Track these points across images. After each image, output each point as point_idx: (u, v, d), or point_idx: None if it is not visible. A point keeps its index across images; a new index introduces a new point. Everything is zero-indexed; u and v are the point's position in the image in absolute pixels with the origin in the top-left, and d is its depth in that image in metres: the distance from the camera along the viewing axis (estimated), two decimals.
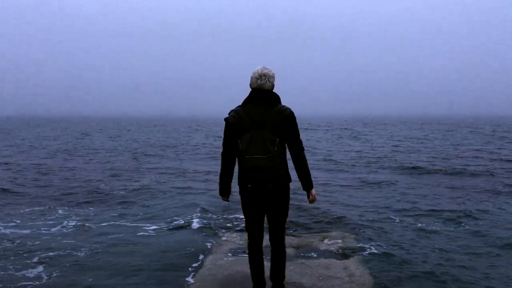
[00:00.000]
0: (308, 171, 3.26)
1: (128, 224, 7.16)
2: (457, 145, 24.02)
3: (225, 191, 3.41)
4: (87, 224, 7.10)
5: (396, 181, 11.39)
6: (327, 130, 46.81)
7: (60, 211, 8.06)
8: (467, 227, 6.59)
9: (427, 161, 15.87)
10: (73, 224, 7.07)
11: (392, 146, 24.15)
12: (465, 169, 13.54)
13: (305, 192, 3.32)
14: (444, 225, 6.71)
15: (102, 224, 7.17)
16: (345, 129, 49.23)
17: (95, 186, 11.07)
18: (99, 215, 7.94)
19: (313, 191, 3.29)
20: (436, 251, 5.47)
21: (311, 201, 3.32)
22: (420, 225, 6.75)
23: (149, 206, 8.63)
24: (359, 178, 12.03)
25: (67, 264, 5.10)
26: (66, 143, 27.11)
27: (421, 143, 25.86)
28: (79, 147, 23.91)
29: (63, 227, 6.89)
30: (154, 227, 7.03)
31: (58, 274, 4.79)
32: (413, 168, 13.94)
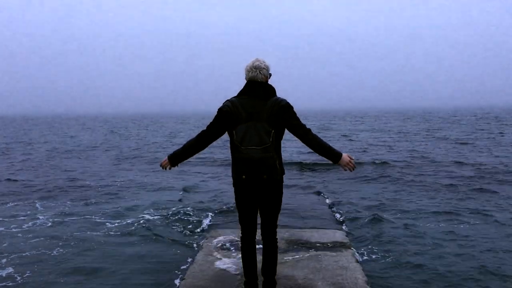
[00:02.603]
0: (327, 144, 3.13)
1: (102, 220, 7.04)
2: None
3: (176, 160, 3.26)
4: (57, 220, 7.02)
5: (383, 176, 11.47)
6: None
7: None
8: (459, 224, 6.64)
9: (409, 156, 15.98)
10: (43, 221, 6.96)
11: (378, 140, 24.34)
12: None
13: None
14: (436, 222, 6.76)
15: (77, 220, 7.06)
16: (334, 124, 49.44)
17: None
18: (73, 210, 7.84)
19: (345, 158, 3.10)
20: (427, 247, 5.53)
21: (352, 168, 3.12)
22: (410, 221, 6.79)
23: (123, 203, 8.47)
24: (348, 173, 12.07)
25: (40, 264, 5.01)
26: None
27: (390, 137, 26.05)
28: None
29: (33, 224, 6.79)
30: (134, 223, 6.91)
31: (29, 274, 4.72)
32: (393, 162, 14.02)
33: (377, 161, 14.35)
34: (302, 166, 13.66)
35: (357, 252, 5.10)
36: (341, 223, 6.83)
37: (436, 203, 8.11)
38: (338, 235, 5.22)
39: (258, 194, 3.19)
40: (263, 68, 3.17)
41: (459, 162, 13.80)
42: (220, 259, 4.41)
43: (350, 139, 25.47)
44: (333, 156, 3.13)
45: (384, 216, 7.07)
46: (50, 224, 6.82)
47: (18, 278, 4.62)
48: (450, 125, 38.98)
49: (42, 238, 6.03)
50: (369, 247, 5.55)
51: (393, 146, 20.36)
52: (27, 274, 4.71)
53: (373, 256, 5.21)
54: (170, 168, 3.30)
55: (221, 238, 5.15)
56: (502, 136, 25.07)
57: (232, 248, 4.73)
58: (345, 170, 3.17)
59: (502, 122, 41.83)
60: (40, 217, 7.25)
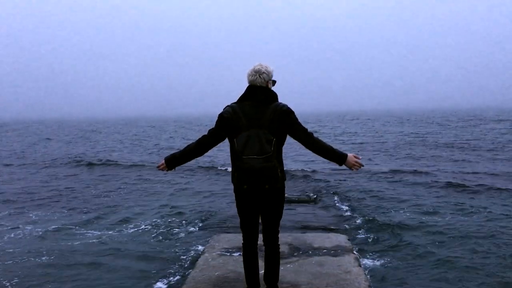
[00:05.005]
0: (331, 147, 3.08)
1: (97, 229, 6.92)
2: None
3: (173, 163, 3.19)
4: (40, 229, 6.88)
5: (384, 180, 11.42)
6: None
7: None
8: (465, 228, 6.57)
9: (408, 159, 15.91)
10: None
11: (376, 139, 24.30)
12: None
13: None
14: (439, 225, 6.70)
15: (63, 229, 6.95)
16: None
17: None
18: (59, 220, 7.69)
19: (350, 159, 3.06)
20: (430, 251, 5.51)
21: (359, 166, 3.07)
22: (412, 225, 6.74)
23: (114, 210, 8.35)
24: (348, 177, 12.05)
25: (28, 271, 5.00)
26: None
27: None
28: None
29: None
30: (133, 229, 6.83)
31: (17, 281, 4.70)
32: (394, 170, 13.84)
33: (376, 166, 14.29)
34: (302, 171, 13.59)
35: (360, 256, 5.08)
36: (344, 227, 6.79)
37: (440, 206, 8.06)
38: (341, 239, 5.17)
39: (259, 203, 3.14)
40: (263, 72, 3.10)
41: (457, 164, 13.75)
42: (222, 264, 4.37)
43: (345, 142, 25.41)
44: (338, 158, 3.08)
45: (386, 220, 7.04)
46: (34, 233, 6.71)
47: (7, 284, 4.62)
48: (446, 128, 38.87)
49: (27, 246, 5.97)
50: (372, 251, 5.53)
51: (394, 150, 20.33)
52: (15, 280, 4.71)
53: (376, 260, 5.18)
54: (167, 171, 3.25)
55: (223, 243, 5.11)
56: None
57: (234, 254, 4.69)
58: (352, 170, 3.14)
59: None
60: (20, 226, 7.15)
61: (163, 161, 3.22)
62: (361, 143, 24.09)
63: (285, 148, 3.18)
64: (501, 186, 9.88)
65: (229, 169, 13.91)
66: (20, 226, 7.22)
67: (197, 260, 4.64)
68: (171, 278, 4.74)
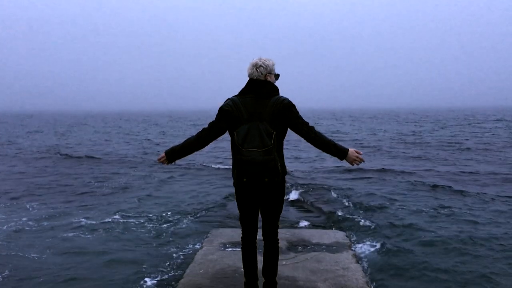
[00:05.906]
0: (332, 141, 3.07)
1: (87, 223, 6.82)
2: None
3: (173, 157, 3.16)
4: (32, 221, 6.81)
5: (382, 178, 11.45)
6: None
7: None
8: (462, 225, 6.60)
9: (405, 157, 15.89)
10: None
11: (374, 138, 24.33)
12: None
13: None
14: (438, 223, 6.71)
15: (59, 222, 6.88)
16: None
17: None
18: (56, 211, 7.62)
19: (351, 154, 3.04)
20: (428, 248, 5.52)
21: (360, 161, 3.04)
22: (410, 222, 6.74)
23: (110, 205, 8.25)
24: (347, 174, 12.06)
25: (19, 264, 4.96)
26: None
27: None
28: None
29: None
30: (126, 223, 6.77)
31: (8, 273, 4.69)
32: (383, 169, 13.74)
33: (373, 165, 14.29)
34: (299, 170, 13.57)
35: (359, 253, 5.10)
36: (342, 223, 6.80)
37: (435, 206, 8.08)
38: (339, 236, 5.19)
39: (259, 196, 3.14)
40: (261, 65, 3.10)
41: (452, 164, 13.78)
42: (221, 258, 4.37)
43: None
44: (339, 152, 3.07)
45: (384, 216, 7.06)
46: (19, 226, 6.62)
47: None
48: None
49: (14, 240, 5.93)
50: (370, 247, 5.54)
51: (390, 148, 20.38)
52: (6, 273, 4.70)
53: (374, 257, 5.19)
54: (167, 164, 3.22)
55: (222, 237, 5.11)
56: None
57: (232, 248, 4.69)
58: (353, 165, 3.12)
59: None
60: (14, 219, 7.05)
61: (163, 154, 3.20)
62: (356, 140, 24.13)
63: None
64: (496, 188, 9.93)
65: (221, 166, 13.83)
66: (4, 219, 7.14)
67: (195, 254, 4.64)
68: (169, 272, 4.73)
